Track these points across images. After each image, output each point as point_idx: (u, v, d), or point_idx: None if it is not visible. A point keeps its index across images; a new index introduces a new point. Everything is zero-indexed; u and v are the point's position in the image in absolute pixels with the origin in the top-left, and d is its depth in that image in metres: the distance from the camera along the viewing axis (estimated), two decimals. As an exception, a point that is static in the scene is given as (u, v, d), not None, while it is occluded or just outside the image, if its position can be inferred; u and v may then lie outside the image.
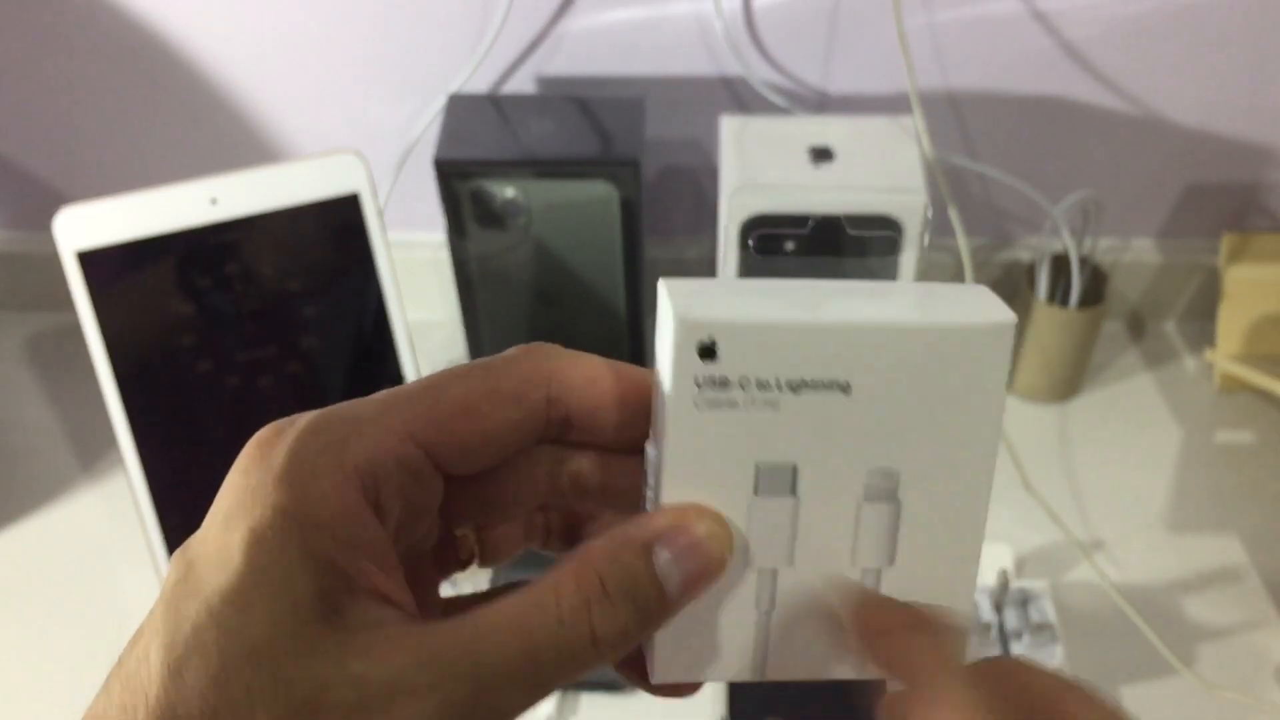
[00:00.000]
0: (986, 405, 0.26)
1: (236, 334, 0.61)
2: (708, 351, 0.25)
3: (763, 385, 0.26)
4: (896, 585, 0.28)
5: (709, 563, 0.25)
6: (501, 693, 0.22)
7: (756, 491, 0.26)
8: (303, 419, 0.24)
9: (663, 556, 0.24)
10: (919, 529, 0.27)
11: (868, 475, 0.27)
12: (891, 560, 0.27)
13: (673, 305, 0.25)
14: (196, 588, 0.21)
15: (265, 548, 0.22)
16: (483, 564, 0.29)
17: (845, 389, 0.26)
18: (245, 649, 0.20)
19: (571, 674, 0.23)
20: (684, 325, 0.25)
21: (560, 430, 0.27)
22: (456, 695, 0.21)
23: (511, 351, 0.26)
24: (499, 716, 0.22)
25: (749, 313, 0.26)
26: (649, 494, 0.27)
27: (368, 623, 0.22)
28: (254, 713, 0.20)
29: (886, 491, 0.27)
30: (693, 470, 0.26)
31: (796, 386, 0.26)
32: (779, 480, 0.26)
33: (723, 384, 0.25)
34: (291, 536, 0.22)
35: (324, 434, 0.24)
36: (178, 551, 0.23)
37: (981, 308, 0.27)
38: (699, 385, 0.25)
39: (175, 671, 0.20)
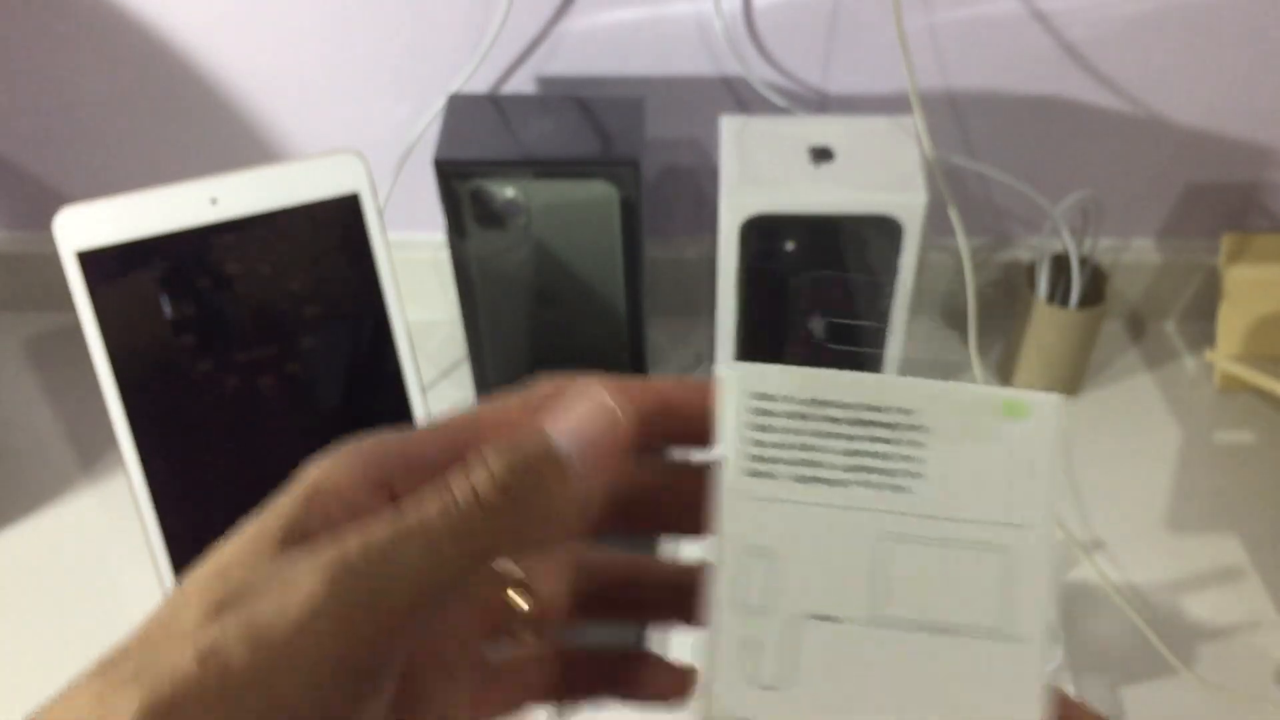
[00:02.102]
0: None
1: (236, 334, 0.61)
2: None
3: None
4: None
5: (603, 420, 0.25)
6: (394, 550, 0.22)
7: None
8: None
9: (553, 431, 0.25)
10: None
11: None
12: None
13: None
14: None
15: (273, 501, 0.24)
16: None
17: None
18: (216, 562, 0.23)
19: (469, 542, 0.23)
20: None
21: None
22: (353, 559, 0.22)
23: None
24: (394, 583, 0.22)
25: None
26: None
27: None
28: (189, 610, 0.22)
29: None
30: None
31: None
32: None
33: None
34: (298, 492, 0.24)
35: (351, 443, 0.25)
36: None
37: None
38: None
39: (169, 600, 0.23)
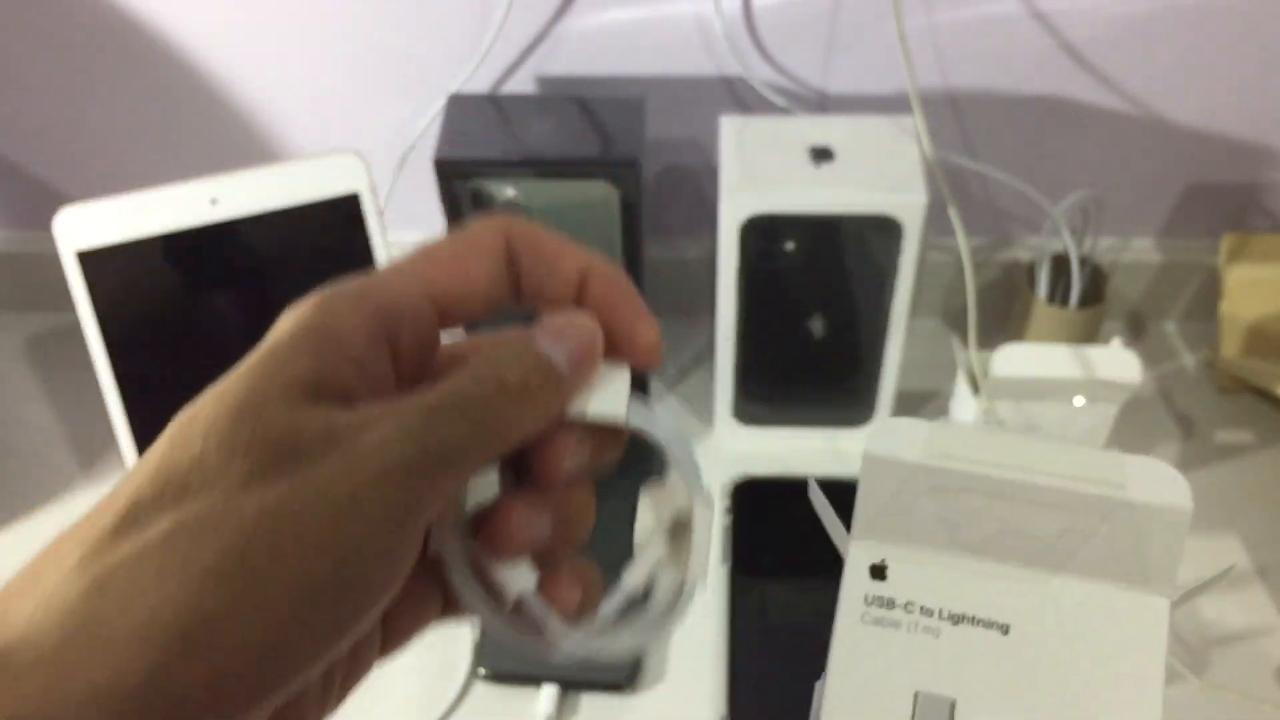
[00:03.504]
0: (1146, 673, 0.27)
1: (236, 334, 0.61)
2: (879, 573, 0.27)
3: (926, 612, 0.27)
4: None
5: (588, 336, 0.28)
6: (447, 423, 0.24)
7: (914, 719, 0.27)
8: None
9: (543, 341, 0.27)
10: None
11: None
12: None
13: (857, 519, 0.28)
14: (214, 386, 0.24)
15: (277, 345, 0.24)
16: None
17: (1004, 630, 0.27)
18: (231, 406, 0.23)
19: (498, 422, 0.25)
20: (859, 546, 0.28)
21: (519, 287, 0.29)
22: (410, 424, 0.23)
23: (478, 220, 0.29)
24: (448, 448, 0.24)
25: (922, 537, 0.28)
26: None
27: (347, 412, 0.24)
28: (232, 459, 0.22)
29: None
30: (855, 682, 0.27)
31: (957, 619, 0.27)
32: (937, 712, 0.27)
33: (889, 604, 0.27)
34: (307, 338, 0.25)
35: (347, 285, 0.27)
36: None
37: (1156, 563, 0.28)
38: (867, 602, 0.27)
39: (171, 440, 0.23)
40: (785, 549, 0.70)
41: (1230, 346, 0.79)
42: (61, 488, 0.75)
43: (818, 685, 0.28)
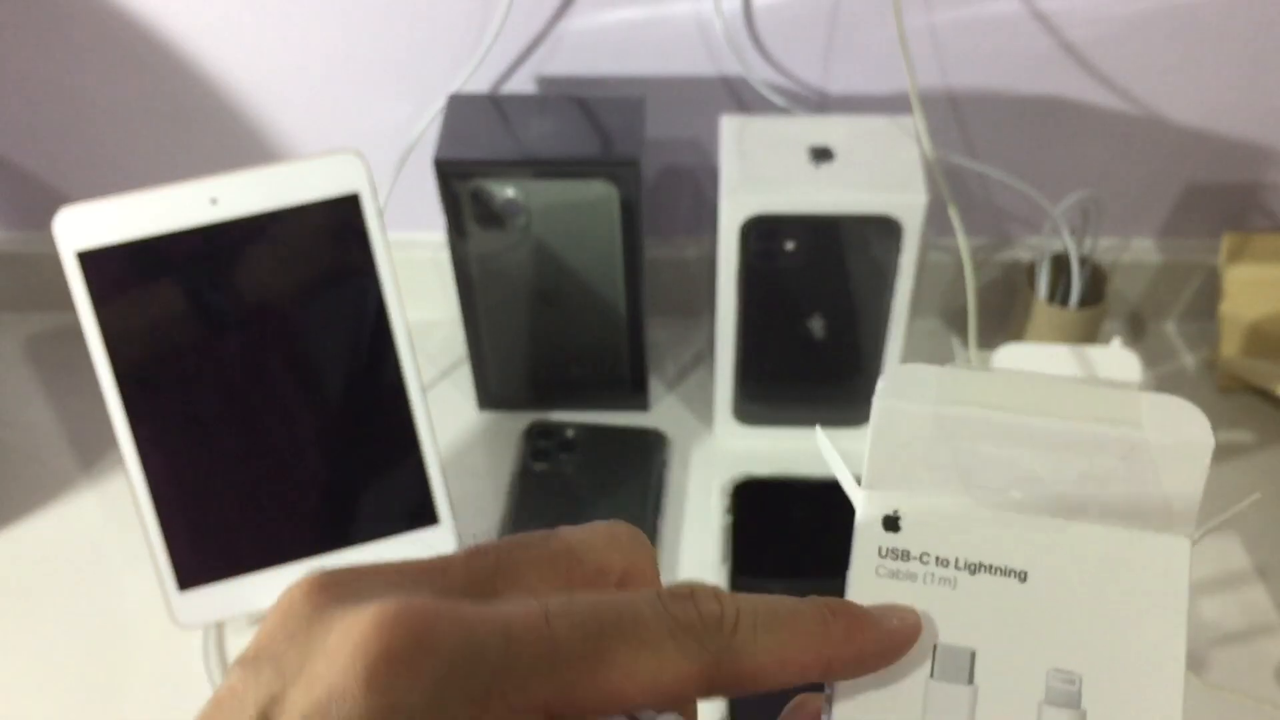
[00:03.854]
0: (1168, 617, 0.27)
1: (236, 334, 0.61)
2: (892, 524, 0.27)
3: (942, 562, 0.27)
4: None
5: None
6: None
7: (933, 675, 0.26)
8: (427, 622, 0.21)
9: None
10: None
11: (1048, 675, 0.26)
12: None
13: (868, 469, 0.27)
14: None
15: None
16: None
17: (1022, 578, 0.26)
18: None
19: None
20: (872, 497, 0.27)
21: None
22: None
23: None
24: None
25: (936, 486, 0.27)
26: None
27: None
28: None
29: (1069, 696, 0.26)
30: None
31: (975, 569, 0.26)
32: (957, 665, 0.26)
33: (904, 556, 0.27)
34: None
35: (470, 680, 0.21)
36: None
37: (1176, 502, 0.27)
38: (881, 555, 0.27)
39: None
40: (785, 549, 0.70)
41: (1230, 346, 0.79)
42: (61, 488, 0.75)
43: None
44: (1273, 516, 0.72)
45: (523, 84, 0.76)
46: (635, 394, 0.79)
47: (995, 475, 0.27)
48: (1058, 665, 0.26)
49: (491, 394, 0.79)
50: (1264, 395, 0.79)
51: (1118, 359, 0.65)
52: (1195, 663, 0.64)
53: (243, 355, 0.61)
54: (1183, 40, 0.72)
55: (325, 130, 0.78)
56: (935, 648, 0.26)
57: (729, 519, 0.71)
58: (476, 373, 0.78)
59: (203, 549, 0.63)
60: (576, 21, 0.73)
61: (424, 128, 0.75)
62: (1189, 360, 0.83)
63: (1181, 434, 0.27)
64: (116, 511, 0.73)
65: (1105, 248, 0.82)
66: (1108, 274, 0.77)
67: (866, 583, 0.26)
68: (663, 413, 0.79)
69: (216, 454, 0.62)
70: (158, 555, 0.62)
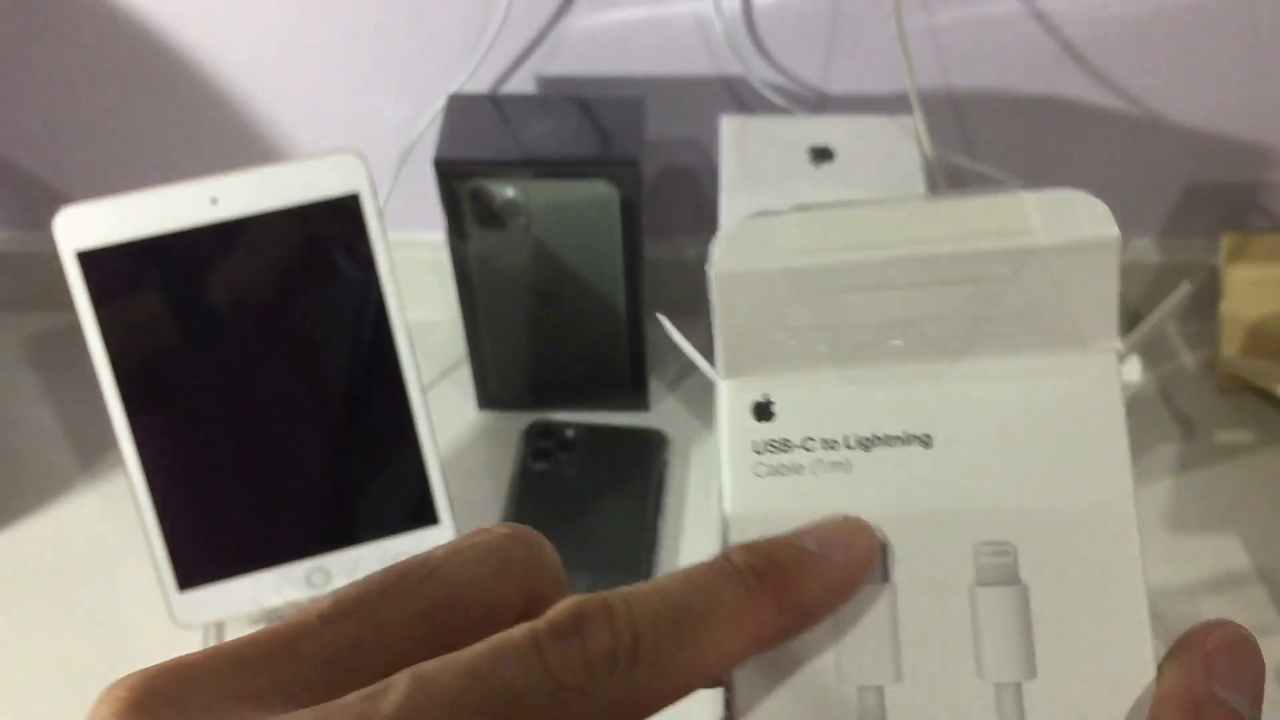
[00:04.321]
0: (1105, 452, 0.22)
1: (236, 334, 0.61)
2: (763, 411, 0.23)
3: (829, 444, 0.22)
4: (1044, 709, 0.21)
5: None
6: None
7: None
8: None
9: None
10: (1058, 621, 0.21)
11: (976, 552, 0.21)
12: (1032, 671, 0.21)
13: (721, 353, 0.23)
14: None
15: None
16: None
17: (926, 442, 0.22)
18: None
19: None
20: (733, 386, 0.23)
21: None
22: None
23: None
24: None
25: (805, 356, 0.23)
26: None
27: None
28: None
29: (1004, 570, 0.21)
30: None
31: (869, 444, 0.22)
32: None
33: (783, 446, 0.22)
34: None
35: None
36: None
37: (1088, 313, 0.22)
38: (758, 450, 0.23)
39: None
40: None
41: (1230, 346, 0.79)
42: (61, 488, 0.75)
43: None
44: (1273, 516, 0.72)
45: (523, 84, 0.76)
46: (635, 394, 0.79)
47: (870, 326, 0.23)
48: (985, 538, 0.21)
49: (491, 394, 0.79)
50: (1264, 395, 0.79)
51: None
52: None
53: (243, 355, 0.61)
54: (1183, 40, 0.72)
55: (325, 130, 0.78)
56: None
57: (729, 519, 0.71)
58: (476, 373, 0.78)
59: (203, 549, 0.63)
60: (576, 21, 0.73)
61: (424, 128, 0.75)
62: (1189, 360, 0.83)
63: (1080, 231, 0.23)
64: (116, 511, 0.73)
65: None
66: (1108, 274, 0.77)
67: (746, 487, 0.22)
68: (663, 413, 0.79)
69: (216, 454, 0.62)
70: (158, 555, 0.62)
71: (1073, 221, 0.23)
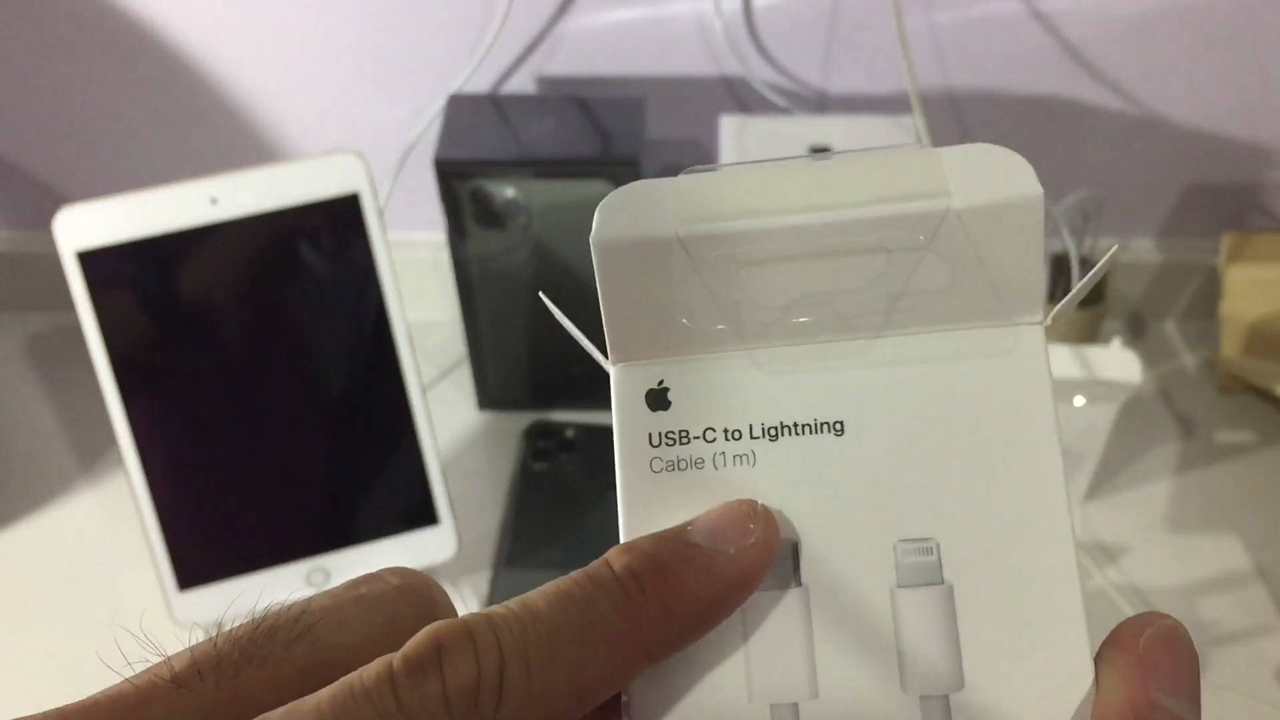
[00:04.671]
0: (1032, 436, 0.20)
1: (236, 334, 0.61)
2: (658, 399, 0.21)
3: (732, 435, 0.20)
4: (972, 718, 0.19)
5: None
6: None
7: None
8: None
9: None
10: (987, 624, 0.19)
11: (896, 550, 0.20)
12: (960, 681, 0.19)
13: (609, 334, 0.21)
14: None
15: None
16: None
17: (838, 430, 0.20)
18: None
19: None
20: (623, 372, 0.21)
21: None
22: None
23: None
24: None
25: (702, 336, 0.20)
26: None
27: None
28: None
29: (926, 569, 0.19)
30: None
31: (775, 433, 0.20)
32: (776, 564, 0.19)
33: (682, 438, 0.20)
34: None
35: None
36: None
37: (1011, 281, 0.20)
38: (654, 443, 0.21)
39: None
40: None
41: (1230, 346, 0.79)
42: (61, 488, 0.75)
43: None
44: (1273, 516, 0.72)
45: (523, 84, 0.76)
46: (635, 394, 0.78)
47: (771, 301, 0.20)
48: (905, 534, 0.19)
49: (491, 394, 0.79)
50: (1264, 395, 0.79)
51: (1118, 359, 0.65)
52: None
53: (242, 355, 0.61)
54: (1183, 40, 0.72)
55: (325, 130, 0.78)
56: None
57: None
58: (476, 373, 0.78)
59: (203, 549, 0.63)
60: (576, 21, 0.73)
61: (424, 128, 0.75)
62: (1189, 360, 0.83)
63: (1001, 190, 0.20)
64: (116, 511, 0.73)
65: (1105, 248, 0.82)
66: (1107, 274, 0.77)
67: (641, 484, 0.20)
68: (663, 413, 0.79)
69: (216, 454, 0.62)
70: (158, 555, 0.62)
71: (992, 179, 0.20)
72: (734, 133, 0.68)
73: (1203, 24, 0.71)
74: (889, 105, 0.74)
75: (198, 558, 0.63)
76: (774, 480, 0.20)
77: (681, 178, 0.21)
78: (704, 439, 0.20)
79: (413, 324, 0.64)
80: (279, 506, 0.64)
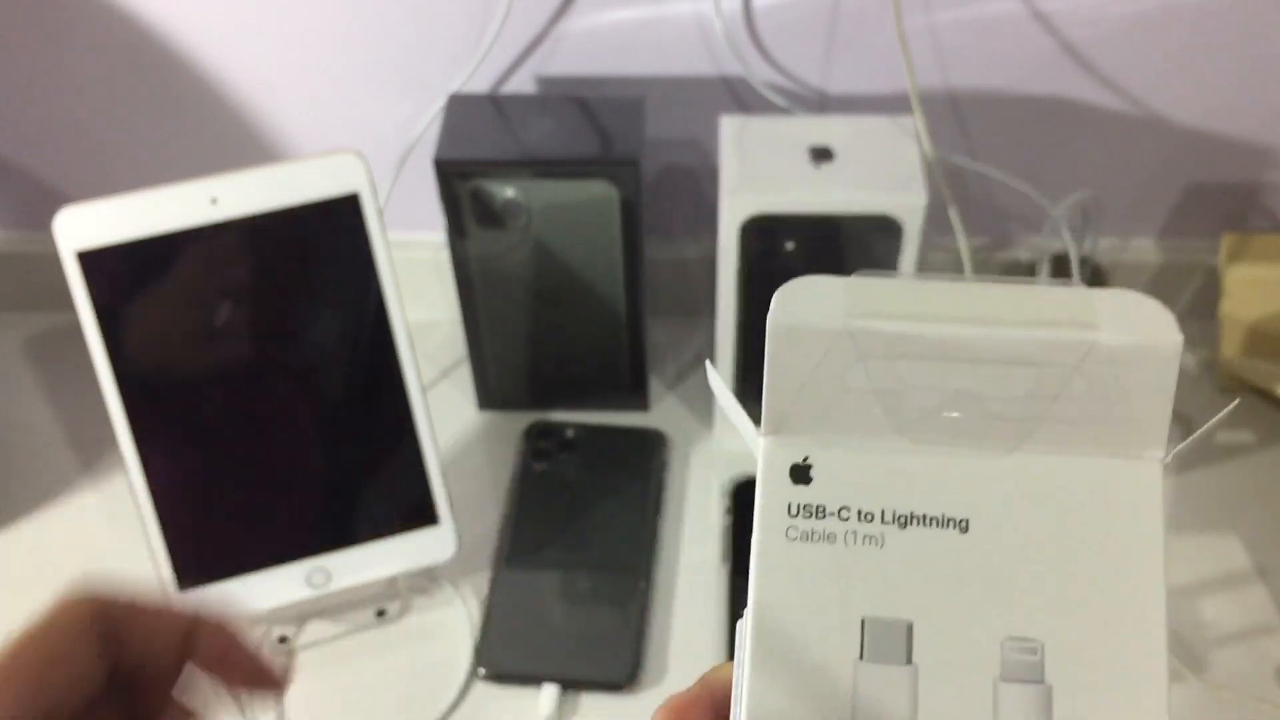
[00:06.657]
0: (1141, 561, 0.22)
1: (236, 334, 0.61)
2: (801, 474, 0.22)
3: (865, 517, 0.22)
4: None
5: None
6: None
7: (863, 656, 0.21)
8: None
9: None
10: None
11: (1003, 646, 0.21)
12: None
13: (767, 407, 0.22)
14: None
15: None
16: None
17: (963, 528, 0.22)
18: None
19: None
20: (774, 444, 0.22)
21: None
22: None
23: (60, 608, 0.27)
24: None
25: (852, 422, 0.22)
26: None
27: None
28: None
29: (1030, 668, 0.21)
30: (786, 614, 0.21)
31: (905, 521, 0.22)
32: (891, 641, 0.21)
33: (818, 513, 0.22)
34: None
35: None
36: None
37: (1142, 418, 0.22)
38: (791, 514, 0.22)
39: None
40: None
41: (1230, 346, 0.79)
42: (61, 488, 0.75)
43: (740, 624, 0.22)
44: (1273, 516, 0.72)
45: (523, 84, 0.76)
46: (635, 394, 0.79)
47: (923, 402, 0.22)
48: (1014, 632, 0.21)
49: (491, 394, 0.79)
50: (1264, 395, 0.79)
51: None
52: (1195, 663, 0.64)
53: (242, 355, 0.61)
54: (1183, 40, 0.72)
55: (325, 130, 0.78)
56: (863, 622, 0.21)
57: (729, 519, 0.71)
58: (476, 373, 0.78)
59: (202, 549, 0.63)
60: (576, 21, 0.73)
61: (424, 128, 0.75)
62: (1189, 360, 0.83)
63: (1145, 334, 0.23)
64: (116, 511, 0.73)
65: (1105, 248, 0.82)
66: (1108, 274, 0.77)
67: (776, 550, 0.22)
68: (663, 413, 0.79)
69: (216, 454, 0.62)
70: (158, 555, 0.62)
71: (1137, 322, 0.23)
72: (734, 132, 0.68)
73: (1203, 24, 0.71)
74: (889, 105, 0.74)
75: (197, 558, 0.63)
76: (898, 563, 0.22)
77: (854, 278, 0.23)
78: (839, 516, 0.22)
79: (413, 324, 0.64)
80: (279, 506, 0.64)
